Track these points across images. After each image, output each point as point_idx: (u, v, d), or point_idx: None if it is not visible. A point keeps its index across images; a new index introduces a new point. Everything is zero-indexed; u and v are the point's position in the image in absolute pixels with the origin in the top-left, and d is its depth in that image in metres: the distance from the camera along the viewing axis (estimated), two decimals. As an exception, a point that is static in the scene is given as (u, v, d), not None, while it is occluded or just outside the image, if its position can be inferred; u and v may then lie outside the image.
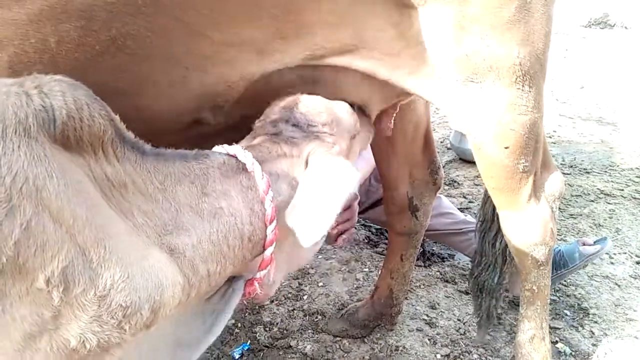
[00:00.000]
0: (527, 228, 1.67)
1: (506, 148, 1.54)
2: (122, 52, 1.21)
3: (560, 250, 2.32)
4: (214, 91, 1.43)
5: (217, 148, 1.18)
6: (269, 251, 1.15)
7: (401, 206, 2.08)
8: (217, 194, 1.07)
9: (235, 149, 1.16)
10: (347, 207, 2.12)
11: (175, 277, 0.94)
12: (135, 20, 1.19)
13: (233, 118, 1.50)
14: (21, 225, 0.74)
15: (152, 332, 0.95)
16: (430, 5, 1.35)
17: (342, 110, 1.41)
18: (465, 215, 2.80)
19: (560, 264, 2.27)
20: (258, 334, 2.30)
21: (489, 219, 1.93)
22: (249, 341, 2.25)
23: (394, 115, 1.80)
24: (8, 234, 0.73)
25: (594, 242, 2.34)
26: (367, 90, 1.56)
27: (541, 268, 1.72)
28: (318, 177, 1.16)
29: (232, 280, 1.19)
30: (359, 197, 2.39)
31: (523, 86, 1.47)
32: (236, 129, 1.40)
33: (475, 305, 2.05)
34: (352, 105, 1.48)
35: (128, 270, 0.85)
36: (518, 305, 1.81)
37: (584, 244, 2.31)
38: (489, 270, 1.92)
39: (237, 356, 2.16)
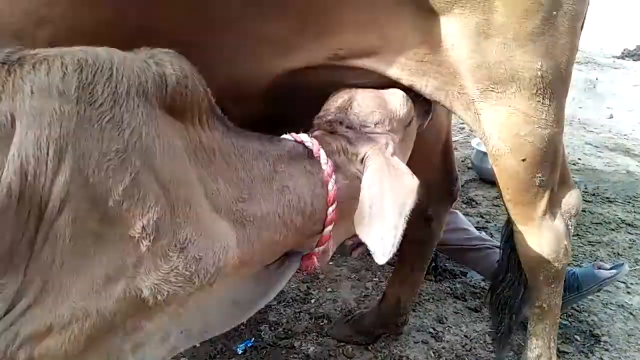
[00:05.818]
0: (540, 244, 1.64)
1: (523, 160, 1.53)
2: (149, 38, 1.27)
3: (574, 272, 2.27)
4: (236, 82, 1.46)
5: (285, 135, 1.29)
6: (328, 229, 1.25)
7: (415, 214, 2.06)
8: (286, 174, 1.18)
9: (303, 137, 1.27)
10: None
11: (237, 242, 1.05)
12: (161, 7, 1.25)
13: (254, 114, 1.52)
14: (130, 174, 0.85)
15: (214, 291, 1.06)
16: (454, 13, 1.36)
17: (396, 102, 1.44)
18: (481, 233, 2.77)
19: (574, 286, 2.22)
20: (263, 332, 2.31)
21: None
22: (253, 338, 2.26)
23: None
24: (120, 180, 0.84)
25: (610, 268, 2.28)
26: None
27: (553, 286, 1.70)
28: (381, 189, 1.23)
29: (290, 254, 1.31)
30: None
31: (544, 99, 1.46)
32: (257, 127, 1.43)
33: (494, 322, 2.01)
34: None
35: (202, 230, 0.96)
36: (527, 327, 1.78)
37: (599, 268, 2.26)
38: (514, 286, 1.87)
39: (240, 351, 2.16)
